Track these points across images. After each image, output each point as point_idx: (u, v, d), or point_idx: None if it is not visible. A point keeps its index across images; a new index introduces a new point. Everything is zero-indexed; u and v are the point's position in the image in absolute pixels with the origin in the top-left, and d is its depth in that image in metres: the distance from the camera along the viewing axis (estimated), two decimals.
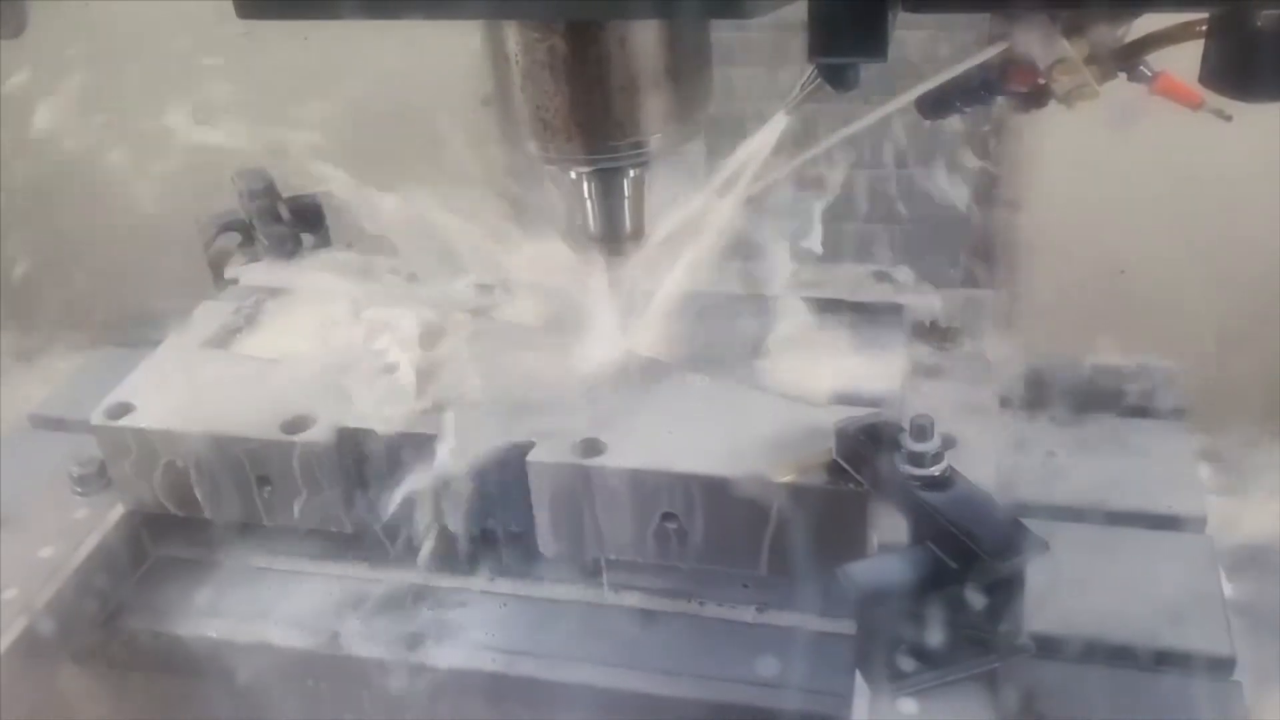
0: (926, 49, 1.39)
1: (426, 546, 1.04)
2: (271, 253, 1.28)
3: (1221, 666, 0.90)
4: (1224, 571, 0.98)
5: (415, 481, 1.00)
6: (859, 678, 0.86)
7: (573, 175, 0.97)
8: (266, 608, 1.07)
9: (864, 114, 1.01)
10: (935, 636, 0.84)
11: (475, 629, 1.02)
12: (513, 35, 0.85)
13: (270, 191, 1.29)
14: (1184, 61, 0.88)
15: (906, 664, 0.84)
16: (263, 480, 1.03)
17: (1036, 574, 0.83)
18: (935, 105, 0.99)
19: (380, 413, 1.02)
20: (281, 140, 1.23)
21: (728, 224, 1.07)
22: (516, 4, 0.80)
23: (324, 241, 1.31)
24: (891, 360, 1.08)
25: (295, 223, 1.29)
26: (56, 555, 1.04)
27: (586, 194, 0.97)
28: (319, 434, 1.01)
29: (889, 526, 0.93)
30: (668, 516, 0.95)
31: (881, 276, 1.19)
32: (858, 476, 0.90)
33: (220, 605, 1.07)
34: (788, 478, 0.92)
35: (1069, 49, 0.90)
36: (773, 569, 0.95)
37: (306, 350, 1.12)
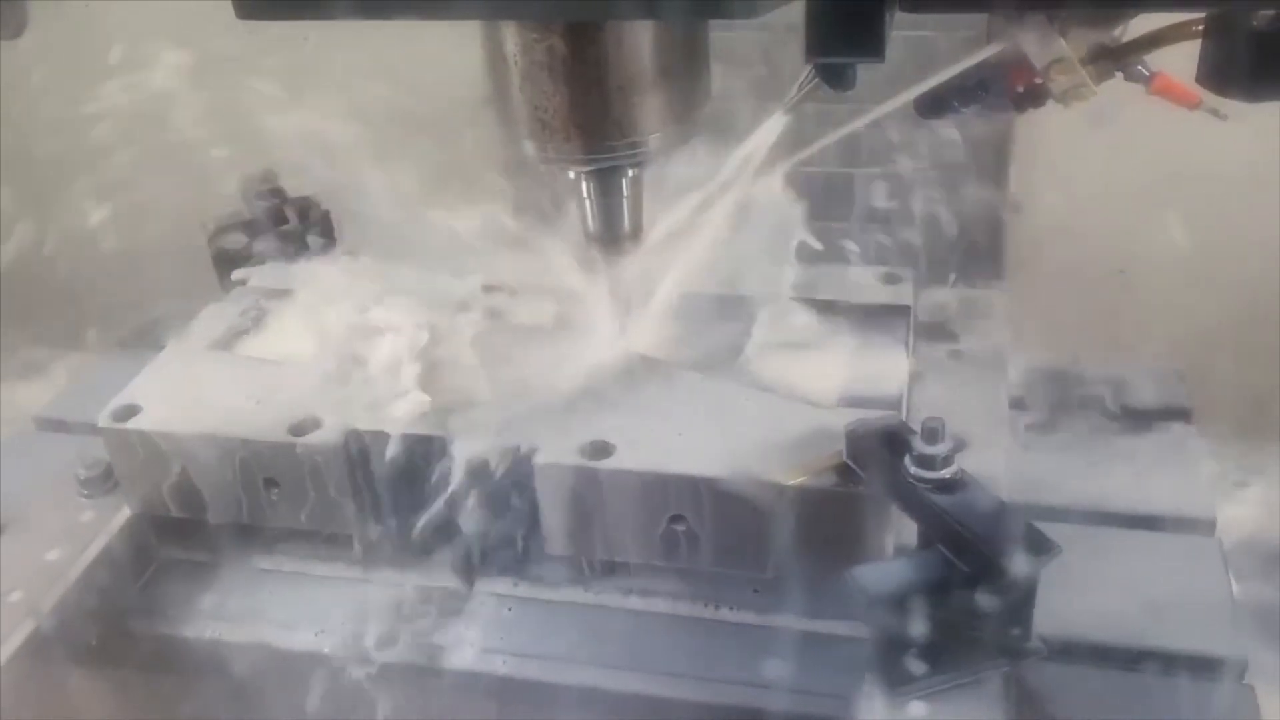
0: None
1: (434, 549, 1.03)
2: (278, 255, 1.28)
3: (1232, 669, 0.89)
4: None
5: (422, 484, 1.00)
6: (870, 680, 0.85)
7: (571, 175, 0.97)
8: (272, 610, 1.06)
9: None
10: (945, 639, 0.84)
11: (482, 632, 1.02)
12: (511, 35, 0.85)
13: (277, 193, 1.29)
14: (1182, 61, 0.88)
15: (916, 667, 0.84)
16: (269, 482, 1.03)
17: (1045, 576, 0.83)
18: (933, 105, 0.99)
19: (387, 415, 1.02)
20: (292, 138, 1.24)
21: (727, 223, 1.07)
22: (515, 4, 0.80)
23: (330, 243, 1.31)
24: (897, 361, 1.07)
25: (301, 225, 1.29)
26: (63, 558, 1.04)
27: (584, 194, 0.97)
28: (326, 436, 1.01)
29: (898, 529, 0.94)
30: (676, 519, 0.95)
31: (889, 278, 1.19)
32: (868, 479, 0.90)
33: (226, 608, 1.07)
34: (797, 480, 0.91)
35: (1066, 49, 0.90)
36: (781, 572, 0.95)
37: (313, 352, 1.12)
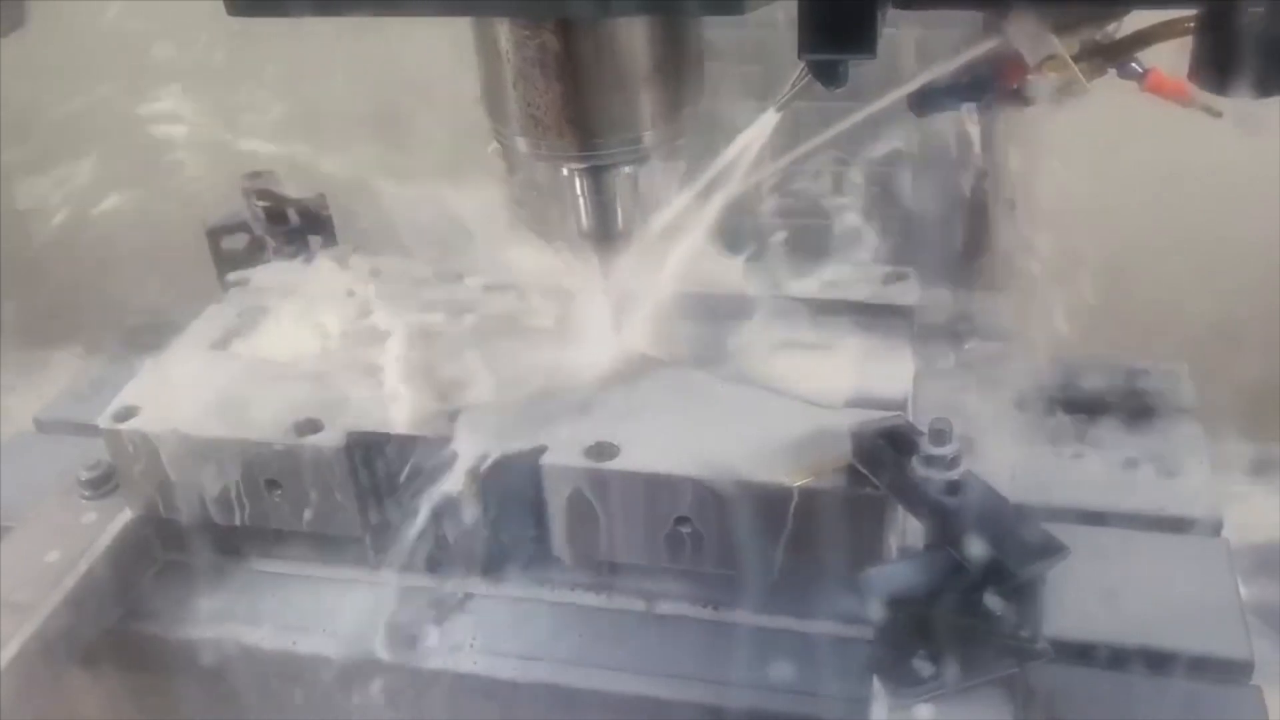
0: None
1: (438, 550, 1.03)
2: (279, 255, 1.28)
3: (1239, 670, 0.89)
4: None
5: (426, 485, 0.99)
6: (876, 683, 0.85)
7: (564, 172, 0.96)
8: (275, 613, 1.06)
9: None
10: (953, 642, 0.83)
11: (487, 634, 1.01)
12: (503, 32, 0.85)
13: (277, 193, 1.28)
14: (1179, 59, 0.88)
15: (924, 669, 0.84)
16: (272, 484, 1.02)
17: (1053, 578, 0.83)
18: (926, 101, 0.99)
19: (390, 415, 1.02)
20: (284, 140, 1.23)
21: (720, 221, 1.07)
22: (508, 1, 0.80)
23: (331, 243, 1.30)
24: (902, 362, 1.07)
25: (302, 224, 1.29)
26: (64, 560, 1.03)
27: (578, 191, 0.97)
28: (328, 437, 1.00)
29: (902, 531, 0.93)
30: (681, 520, 0.95)
31: (893, 278, 1.18)
32: (874, 480, 0.89)
33: (229, 610, 1.06)
34: (803, 481, 0.91)
35: (1058, 46, 0.89)
36: (787, 573, 0.94)
37: (314, 353, 1.11)
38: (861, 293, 1.14)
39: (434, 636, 1.01)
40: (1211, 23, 0.80)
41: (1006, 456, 1.03)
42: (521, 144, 0.91)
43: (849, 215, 1.21)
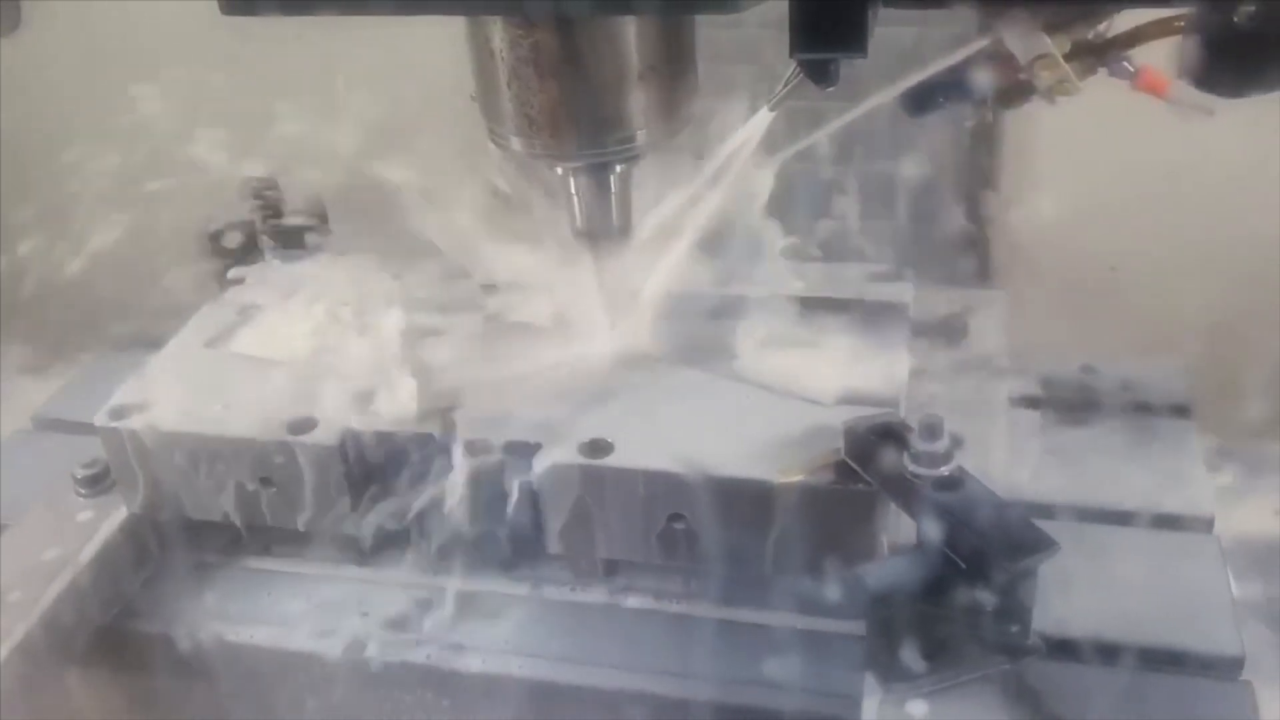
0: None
1: (433, 548, 1.03)
2: (276, 253, 1.28)
3: (1230, 666, 0.89)
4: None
5: (421, 483, 1.00)
6: (869, 679, 0.85)
7: (559, 171, 0.96)
8: (271, 610, 1.06)
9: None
10: (945, 637, 0.84)
11: (483, 631, 1.02)
12: (497, 31, 0.85)
13: (275, 192, 1.28)
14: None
15: (916, 665, 0.84)
16: (266, 482, 1.03)
17: (1043, 574, 0.83)
18: (918, 101, 0.99)
19: (385, 413, 1.02)
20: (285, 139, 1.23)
21: (714, 219, 1.07)
22: (499, 1, 0.80)
23: (328, 241, 1.30)
24: (895, 360, 1.07)
25: (300, 223, 1.29)
26: (60, 557, 1.03)
27: (573, 190, 0.97)
28: (323, 435, 1.01)
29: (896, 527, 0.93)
30: (675, 517, 0.95)
31: (886, 276, 1.18)
32: (866, 476, 0.90)
33: (225, 608, 1.07)
34: (796, 478, 0.91)
35: (1049, 45, 0.90)
36: (779, 570, 0.95)
37: (310, 351, 1.12)
38: (856, 290, 1.15)
39: (427, 633, 1.01)
40: (1201, 21, 0.81)
41: (998, 453, 1.03)
42: (516, 143, 0.91)
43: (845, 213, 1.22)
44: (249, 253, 1.30)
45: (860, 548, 0.92)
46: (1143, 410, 1.16)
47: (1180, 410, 1.16)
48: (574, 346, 1.09)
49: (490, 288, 1.19)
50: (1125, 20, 0.92)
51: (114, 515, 1.08)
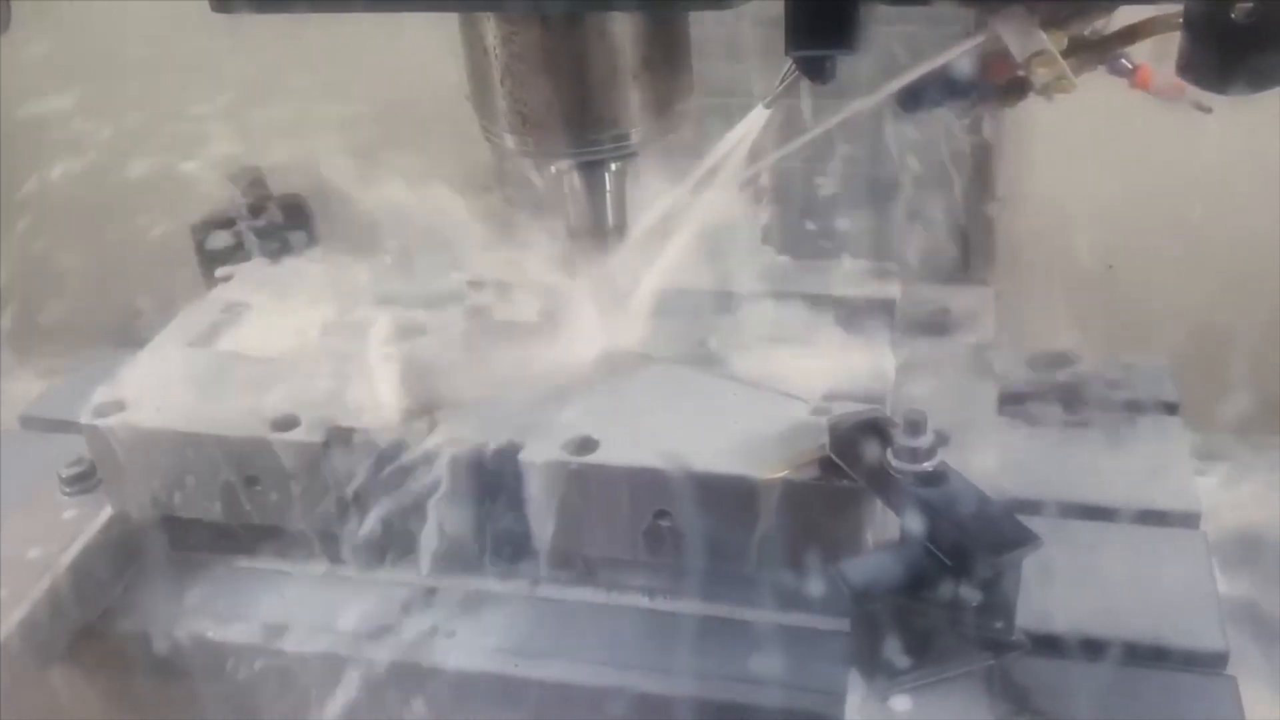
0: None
1: (418, 546, 1.03)
2: (262, 251, 1.28)
3: (1215, 661, 0.89)
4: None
5: (407, 481, 1.00)
6: (853, 674, 0.85)
7: (553, 169, 0.96)
8: (256, 609, 1.06)
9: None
10: (929, 633, 0.83)
11: (468, 629, 1.01)
12: (490, 28, 0.85)
13: (261, 190, 1.28)
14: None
15: (900, 661, 0.84)
16: (251, 480, 1.02)
17: (1028, 570, 0.83)
18: (914, 98, 0.99)
19: (370, 411, 1.02)
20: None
21: (710, 217, 1.07)
22: None
23: (314, 240, 1.30)
24: (882, 356, 1.07)
25: (286, 221, 1.29)
26: (45, 556, 1.03)
27: (567, 188, 0.97)
28: (307, 433, 1.00)
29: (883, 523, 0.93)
30: (661, 514, 0.95)
31: (875, 273, 1.19)
32: (851, 472, 0.90)
33: (209, 606, 1.06)
34: (781, 474, 0.91)
35: (1047, 41, 0.90)
36: (763, 566, 0.94)
37: (295, 349, 1.12)
38: (843, 288, 1.15)
39: (411, 632, 1.01)
40: (1198, 19, 0.81)
41: (986, 449, 1.02)
42: (509, 140, 0.91)
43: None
44: (235, 251, 1.30)
45: (846, 544, 0.91)
46: (1130, 406, 1.16)
47: (1168, 406, 1.16)
48: (560, 344, 1.09)
49: (477, 284, 1.19)
50: (1123, 17, 0.92)
51: (99, 514, 1.08)
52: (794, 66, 0.95)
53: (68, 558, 1.03)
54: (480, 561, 1.04)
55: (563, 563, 1.03)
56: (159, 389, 1.06)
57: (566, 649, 0.99)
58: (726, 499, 0.92)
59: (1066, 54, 0.91)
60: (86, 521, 1.07)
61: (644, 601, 1.02)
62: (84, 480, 1.09)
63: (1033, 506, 1.01)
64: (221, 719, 1.06)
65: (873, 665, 0.84)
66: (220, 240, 1.30)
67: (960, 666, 0.84)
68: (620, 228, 1.00)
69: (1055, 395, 1.17)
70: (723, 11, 0.80)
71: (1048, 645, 0.89)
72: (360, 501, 1.03)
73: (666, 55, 0.90)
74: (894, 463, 0.86)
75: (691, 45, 0.93)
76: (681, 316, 1.12)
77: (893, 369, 1.06)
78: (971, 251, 1.88)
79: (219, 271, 1.28)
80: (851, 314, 1.11)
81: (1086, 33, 0.93)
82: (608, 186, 0.97)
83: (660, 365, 1.06)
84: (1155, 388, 1.18)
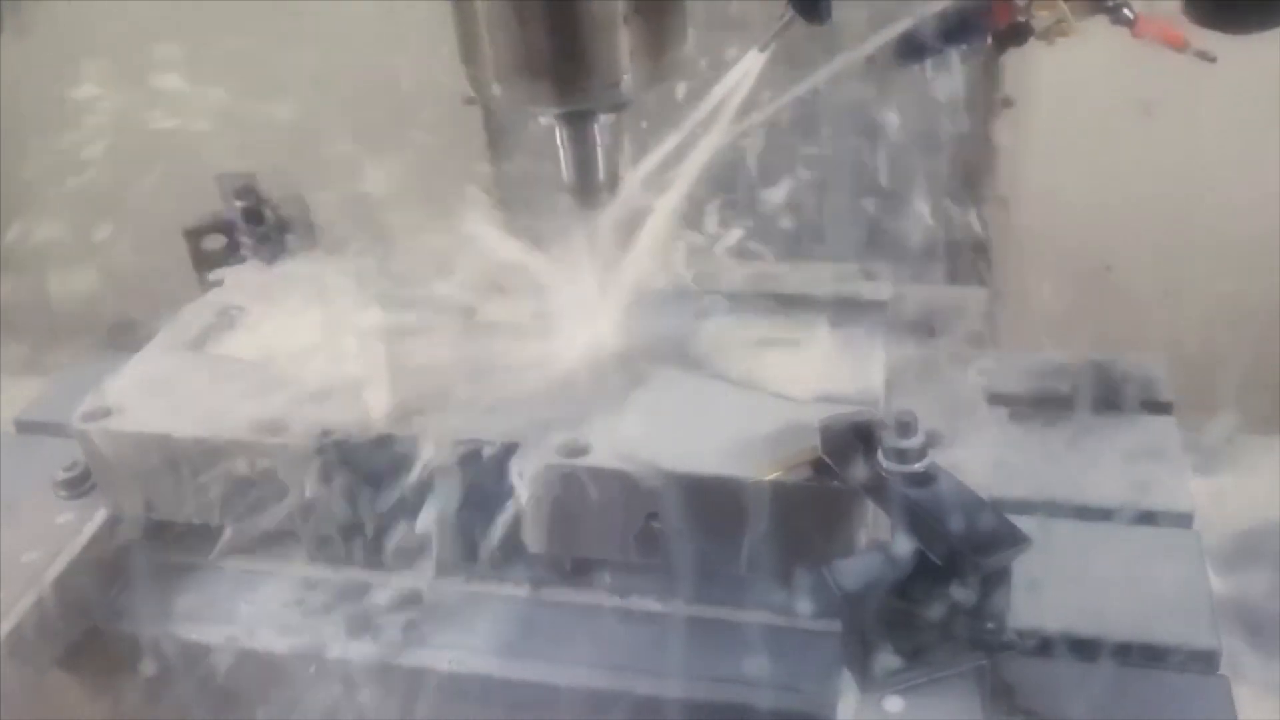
0: None
1: (412, 548, 1.03)
2: (256, 254, 1.28)
3: (1207, 660, 0.89)
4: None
5: (399, 483, 1.00)
6: (845, 676, 0.85)
7: (542, 122, 0.94)
8: (251, 611, 1.06)
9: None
10: (920, 633, 0.84)
11: (463, 631, 1.02)
12: None
13: (255, 193, 1.28)
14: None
15: (892, 661, 0.84)
16: (245, 482, 1.03)
17: (1020, 570, 0.83)
18: (912, 48, 0.97)
19: (363, 414, 1.02)
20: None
21: (701, 172, 1.04)
22: None
23: (308, 243, 1.30)
24: (873, 358, 1.07)
25: (280, 224, 1.29)
26: (40, 560, 1.03)
27: (558, 141, 0.95)
28: (301, 436, 1.00)
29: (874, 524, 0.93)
30: (652, 516, 0.95)
31: (866, 274, 1.18)
32: (842, 473, 0.90)
33: (202, 609, 1.07)
34: (772, 476, 0.91)
35: None
36: (754, 567, 0.94)
37: (289, 352, 1.12)
38: (835, 289, 1.15)
39: (404, 633, 1.01)
40: None
41: (978, 450, 1.02)
42: (496, 90, 0.88)
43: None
44: (230, 253, 1.30)
45: (838, 545, 0.91)
46: (1123, 406, 1.16)
47: (1161, 406, 1.16)
48: (552, 345, 1.09)
49: (470, 286, 1.19)
50: None
51: (94, 517, 1.08)
52: (789, 8, 0.93)
53: (63, 561, 1.03)
54: (469, 563, 1.04)
55: (553, 565, 1.03)
56: (153, 392, 1.06)
57: (555, 650, 0.99)
58: (717, 501, 0.92)
59: None
60: (82, 525, 1.07)
61: (631, 603, 1.02)
62: (80, 484, 1.09)
63: (1023, 506, 1.00)
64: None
65: (865, 666, 0.84)
66: (215, 243, 1.30)
67: (952, 667, 0.85)
68: (613, 183, 0.98)
69: (1045, 394, 1.17)
70: None
71: (1040, 645, 0.89)
72: (353, 503, 1.03)
73: (659, 1, 0.87)
74: (884, 464, 0.86)
75: None
76: (671, 317, 1.12)
77: (884, 371, 1.06)
78: (970, 251, 1.88)
79: (213, 274, 1.28)
80: (843, 315, 1.11)
81: None
82: (599, 138, 0.95)
83: (651, 367, 1.06)
84: (1149, 387, 1.18)
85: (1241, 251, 1.76)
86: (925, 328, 1.16)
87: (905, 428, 0.85)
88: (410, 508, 1.00)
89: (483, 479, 0.98)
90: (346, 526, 1.04)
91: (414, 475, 0.98)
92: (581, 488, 0.95)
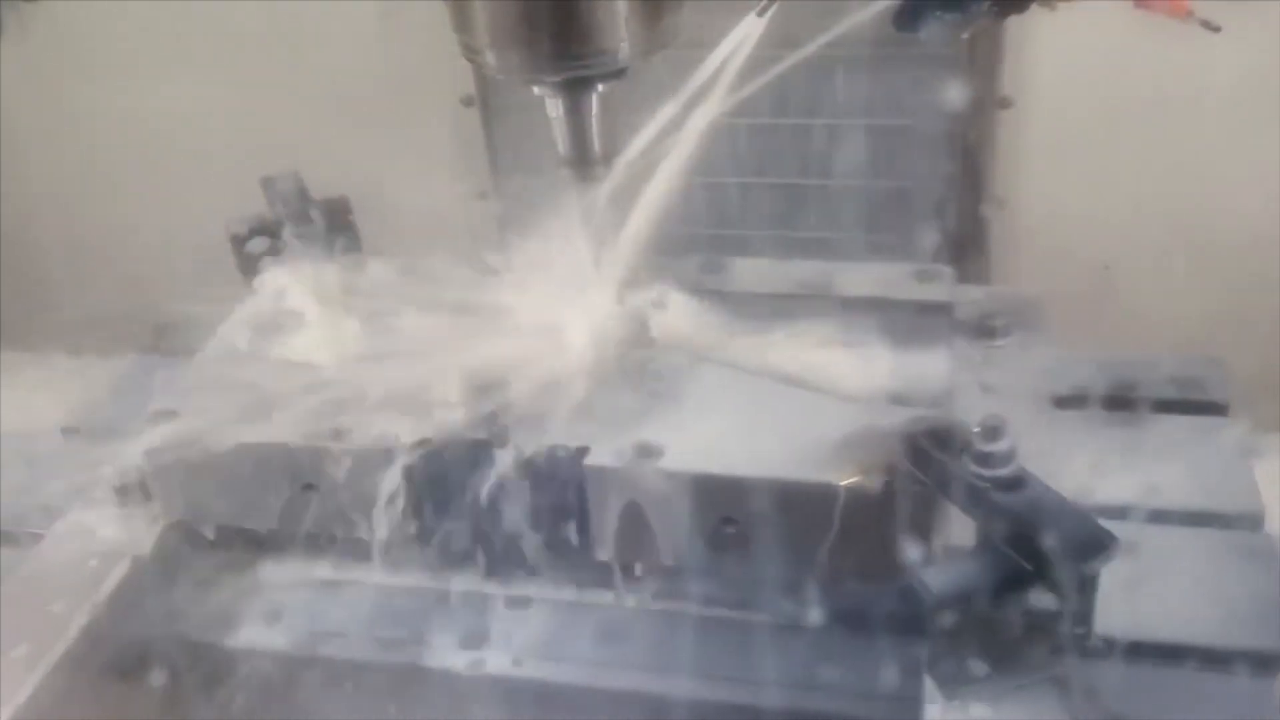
0: None
1: (478, 552, 1.02)
2: (303, 256, 1.26)
3: None
4: None
5: (467, 488, 0.99)
6: (929, 683, 0.85)
7: (536, 91, 0.92)
8: (309, 619, 1.05)
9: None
10: (1006, 640, 0.83)
11: (530, 636, 1.01)
12: None
13: (301, 194, 1.27)
14: None
15: (978, 668, 0.83)
16: (308, 488, 1.01)
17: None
18: (912, 15, 0.94)
19: (427, 418, 1.00)
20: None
21: (702, 137, 1.00)
22: None
23: (355, 244, 1.29)
24: (939, 359, 1.07)
25: (326, 225, 1.27)
26: (99, 568, 1.02)
27: (554, 111, 0.92)
28: (365, 440, 0.99)
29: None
30: (726, 521, 0.94)
31: (924, 275, 1.18)
32: (923, 479, 0.89)
33: (263, 616, 1.06)
34: (851, 480, 0.90)
35: None
36: (834, 574, 0.94)
37: (346, 355, 1.10)
38: (899, 290, 1.14)
39: (474, 640, 1.01)
40: None
41: (1048, 452, 1.02)
42: (489, 57, 0.86)
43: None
44: (274, 256, 1.28)
45: (914, 551, 0.91)
46: (1181, 407, 1.15)
47: (1218, 407, 1.16)
48: (611, 347, 1.08)
49: (521, 284, 1.17)
50: None
51: (152, 525, 1.07)
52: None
53: (122, 569, 1.02)
54: (541, 567, 1.03)
55: (625, 569, 1.02)
56: (212, 397, 1.05)
57: (626, 656, 0.99)
58: (795, 506, 0.92)
59: None
60: (140, 533, 1.06)
61: (704, 609, 1.01)
62: (136, 491, 1.08)
63: (1095, 511, 0.99)
64: None
65: (950, 673, 0.83)
66: (260, 245, 1.28)
67: (1038, 673, 0.84)
68: (610, 155, 0.95)
69: (1104, 398, 1.16)
70: None
71: (1120, 651, 0.89)
72: (419, 509, 1.02)
73: None
74: (972, 468, 0.85)
75: None
76: (738, 320, 1.11)
77: (950, 372, 1.05)
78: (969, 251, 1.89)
79: (260, 277, 1.26)
80: (908, 316, 1.11)
81: None
82: (595, 108, 0.92)
83: (718, 370, 1.05)
84: (1205, 387, 1.17)
85: (1242, 252, 1.76)
86: (985, 328, 1.16)
87: (993, 432, 0.84)
88: (478, 512, 0.99)
89: (556, 482, 0.97)
90: (412, 532, 1.02)
91: (483, 479, 0.97)
92: (654, 491, 0.94)
